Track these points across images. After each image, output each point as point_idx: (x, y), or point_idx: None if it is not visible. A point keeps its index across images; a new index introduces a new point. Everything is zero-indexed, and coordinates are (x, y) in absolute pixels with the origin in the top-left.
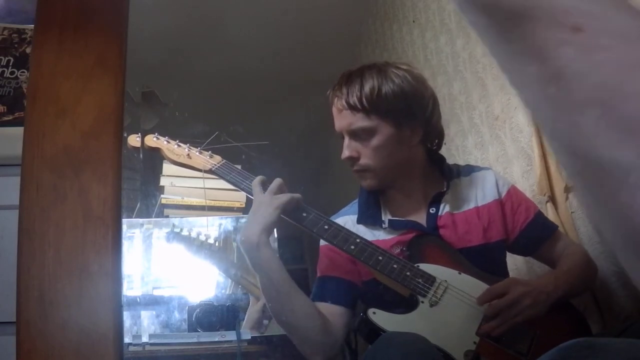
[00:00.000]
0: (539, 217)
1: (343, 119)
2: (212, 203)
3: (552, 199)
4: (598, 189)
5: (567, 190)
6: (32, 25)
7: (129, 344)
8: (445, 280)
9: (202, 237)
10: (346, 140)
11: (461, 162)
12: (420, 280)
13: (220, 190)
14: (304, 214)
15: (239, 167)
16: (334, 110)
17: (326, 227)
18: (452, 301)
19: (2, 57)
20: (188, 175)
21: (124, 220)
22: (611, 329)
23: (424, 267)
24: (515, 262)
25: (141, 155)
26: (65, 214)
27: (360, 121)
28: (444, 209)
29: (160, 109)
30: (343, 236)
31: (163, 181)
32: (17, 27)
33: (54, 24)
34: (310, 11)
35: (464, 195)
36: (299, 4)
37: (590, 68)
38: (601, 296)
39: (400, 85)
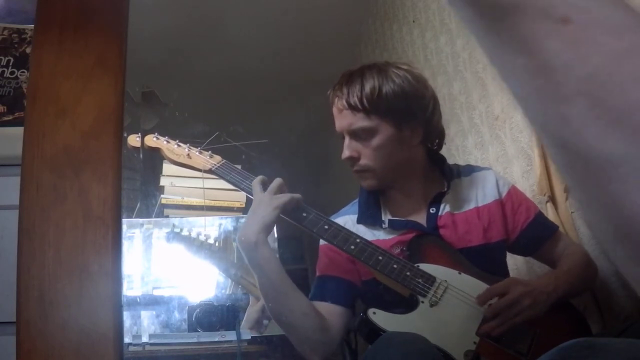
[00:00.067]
0: (540, 217)
1: (343, 118)
2: (212, 203)
3: (552, 199)
4: (588, 182)
5: (567, 190)
6: (32, 25)
7: (129, 344)
8: (445, 280)
9: (202, 237)
10: (346, 140)
11: (461, 162)
12: (420, 280)
13: (220, 190)
14: (304, 214)
15: (239, 167)
16: (335, 110)
17: (326, 227)
18: (452, 301)
19: (2, 57)
20: (188, 175)
21: (124, 220)
22: (611, 329)
23: (424, 267)
24: (515, 262)
25: (141, 155)
26: (65, 214)
27: (361, 121)
28: (444, 209)
29: (160, 109)
30: (343, 236)
31: (163, 181)
32: (17, 27)
33: (54, 24)
34: (310, 11)
35: (464, 196)
36: (299, 4)
37: (578, 60)
38: (601, 296)
39: (401, 86)
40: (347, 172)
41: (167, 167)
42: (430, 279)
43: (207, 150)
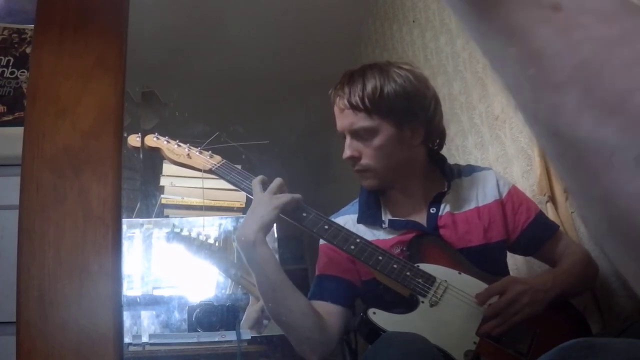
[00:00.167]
0: (540, 217)
1: (345, 118)
2: (212, 203)
3: (552, 199)
4: (581, 171)
5: (567, 190)
6: (32, 25)
7: (129, 344)
8: (446, 280)
9: (202, 237)
10: (347, 139)
11: (461, 162)
12: (420, 280)
13: (220, 190)
14: (304, 214)
15: (239, 167)
16: (336, 109)
17: (326, 227)
18: (452, 301)
19: (2, 57)
20: (188, 175)
21: (124, 220)
22: (611, 329)
23: (424, 267)
24: (515, 262)
25: (141, 155)
26: (65, 214)
27: (362, 121)
28: (445, 209)
29: (160, 109)
30: (343, 236)
31: (163, 181)
32: (17, 27)
33: (54, 24)
34: (310, 11)
35: (464, 196)
36: (299, 4)
37: (570, 47)
38: (601, 296)
39: (402, 85)
40: (347, 172)
41: (167, 167)
42: (430, 279)
43: (207, 150)
